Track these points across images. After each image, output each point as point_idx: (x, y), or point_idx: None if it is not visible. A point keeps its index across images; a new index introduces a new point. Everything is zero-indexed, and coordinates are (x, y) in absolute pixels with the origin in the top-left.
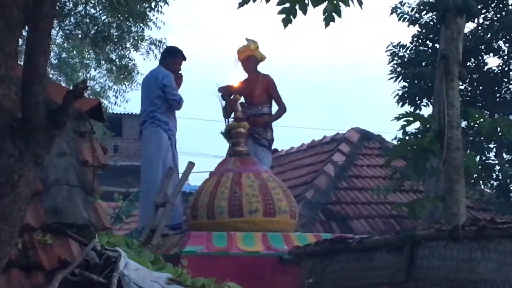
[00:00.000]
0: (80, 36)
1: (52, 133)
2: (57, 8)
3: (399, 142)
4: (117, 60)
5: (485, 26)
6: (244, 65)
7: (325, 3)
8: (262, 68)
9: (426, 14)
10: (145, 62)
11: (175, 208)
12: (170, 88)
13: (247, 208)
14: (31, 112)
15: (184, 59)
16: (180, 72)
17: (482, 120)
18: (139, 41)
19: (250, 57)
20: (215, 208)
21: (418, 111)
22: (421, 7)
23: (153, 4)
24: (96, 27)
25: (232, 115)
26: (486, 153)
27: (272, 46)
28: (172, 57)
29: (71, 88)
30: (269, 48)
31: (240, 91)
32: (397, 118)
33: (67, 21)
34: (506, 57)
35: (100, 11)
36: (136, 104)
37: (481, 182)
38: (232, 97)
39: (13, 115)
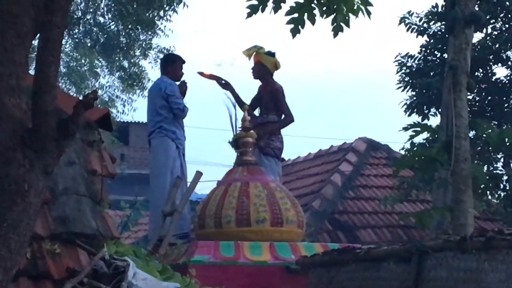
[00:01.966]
0: (89, 44)
1: (62, 143)
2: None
3: (407, 153)
4: (127, 68)
5: (493, 36)
6: (252, 70)
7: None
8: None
9: (434, 24)
10: (153, 70)
11: (183, 217)
12: (173, 97)
13: (254, 217)
14: (41, 122)
15: (183, 62)
16: (184, 80)
17: (490, 130)
18: (148, 49)
19: (256, 63)
20: (222, 218)
21: (425, 121)
22: (429, 17)
23: (161, 13)
24: (105, 36)
25: (240, 124)
26: (494, 163)
27: (279, 56)
28: (171, 64)
29: (80, 96)
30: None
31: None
32: (405, 129)
33: (76, 29)
34: None
35: (109, 20)
36: (143, 112)
37: (488, 192)
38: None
39: (24, 125)
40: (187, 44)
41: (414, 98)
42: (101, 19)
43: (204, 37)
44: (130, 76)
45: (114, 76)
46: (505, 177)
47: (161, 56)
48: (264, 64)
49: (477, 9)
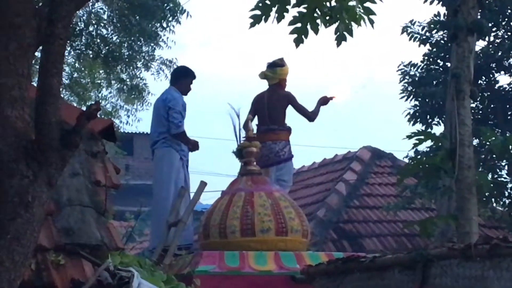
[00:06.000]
0: (91, 56)
1: (65, 154)
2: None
3: (411, 161)
4: (128, 80)
5: (496, 44)
6: None
7: (337, 23)
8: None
9: (437, 33)
10: (155, 82)
11: (186, 228)
12: (173, 110)
13: (259, 227)
14: (45, 133)
15: (194, 78)
16: (198, 144)
17: (494, 138)
18: (150, 61)
19: None
20: (227, 228)
21: (429, 129)
22: (432, 26)
23: (164, 24)
24: (107, 47)
25: (244, 134)
26: (498, 171)
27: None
28: (183, 77)
29: (83, 108)
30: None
31: None
32: (409, 137)
33: (78, 41)
34: None
35: (111, 31)
36: (147, 123)
37: (493, 200)
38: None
39: (27, 136)
40: (190, 56)
41: (418, 107)
42: (104, 31)
43: (207, 49)
44: (131, 88)
45: (114, 87)
46: (509, 185)
47: (164, 68)
48: None
49: (479, 17)
